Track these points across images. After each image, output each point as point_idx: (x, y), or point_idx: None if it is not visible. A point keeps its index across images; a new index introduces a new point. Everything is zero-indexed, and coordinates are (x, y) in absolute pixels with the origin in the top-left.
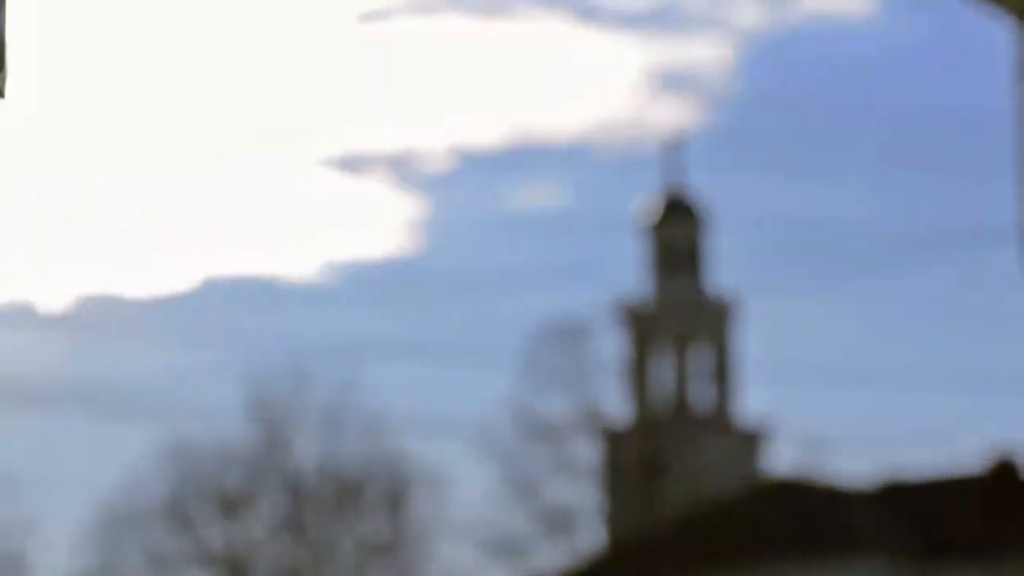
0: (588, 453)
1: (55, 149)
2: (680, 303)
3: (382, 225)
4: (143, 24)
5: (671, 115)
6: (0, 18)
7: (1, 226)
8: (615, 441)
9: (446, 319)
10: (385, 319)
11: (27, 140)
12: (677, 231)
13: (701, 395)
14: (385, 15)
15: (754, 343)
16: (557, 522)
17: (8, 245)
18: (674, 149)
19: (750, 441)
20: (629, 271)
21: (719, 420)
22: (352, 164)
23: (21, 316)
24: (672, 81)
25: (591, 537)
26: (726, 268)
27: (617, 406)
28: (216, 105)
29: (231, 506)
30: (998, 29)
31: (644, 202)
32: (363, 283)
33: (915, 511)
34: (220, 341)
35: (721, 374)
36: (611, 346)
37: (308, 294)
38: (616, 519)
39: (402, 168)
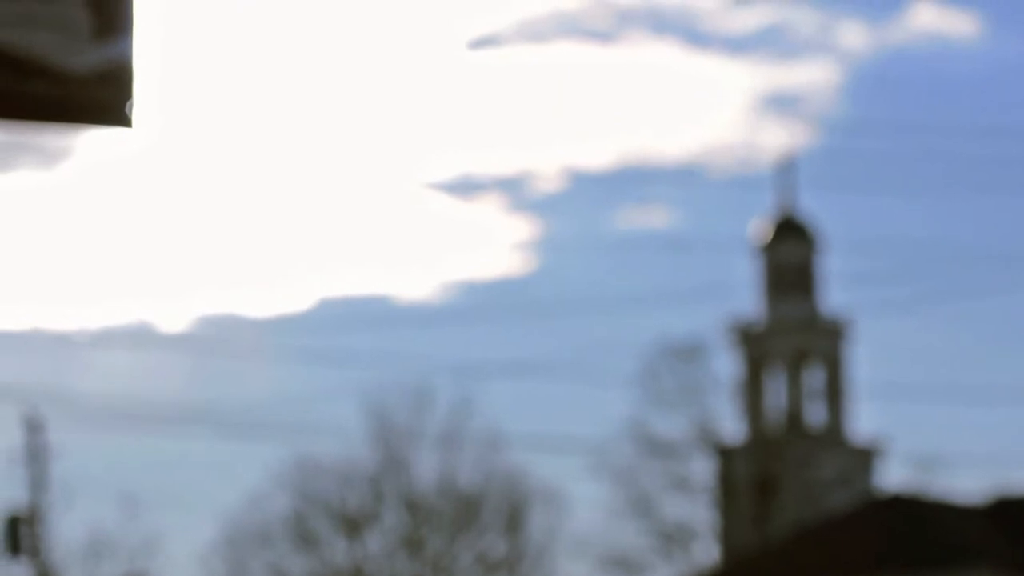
0: (703, 470)
1: (178, 174)
2: (793, 322)
3: (495, 246)
4: (264, 53)
5: (780, 137)
6: (127, 47)
7: (122, 247)
8: (729, 458)
9: (560, 339)
10: (499, 338)
11: (152, 166)
12: (789, 251)
13: (814, 413)
14: (495, 41)
15: (866, 361)
16: (673, 538)
17: (129, 266)
18: (785, 170)
19: (862, 458)
20: (741, 291)
21: (832, 437)
22: (465, 186)
23: (141, 336)
24: (780, 104)
25: (706, 553)
26: (837, 288)
27: (731, 424)
28: (333, 130)
29: (352, 524)
30: None
31: (756, 223)
32: (476, 303)
33: None
34: (337, 360)
35: (833, 392)
36: (725, 365)
37: (422, 313)
38: (730, 535)
39: (514, 190)
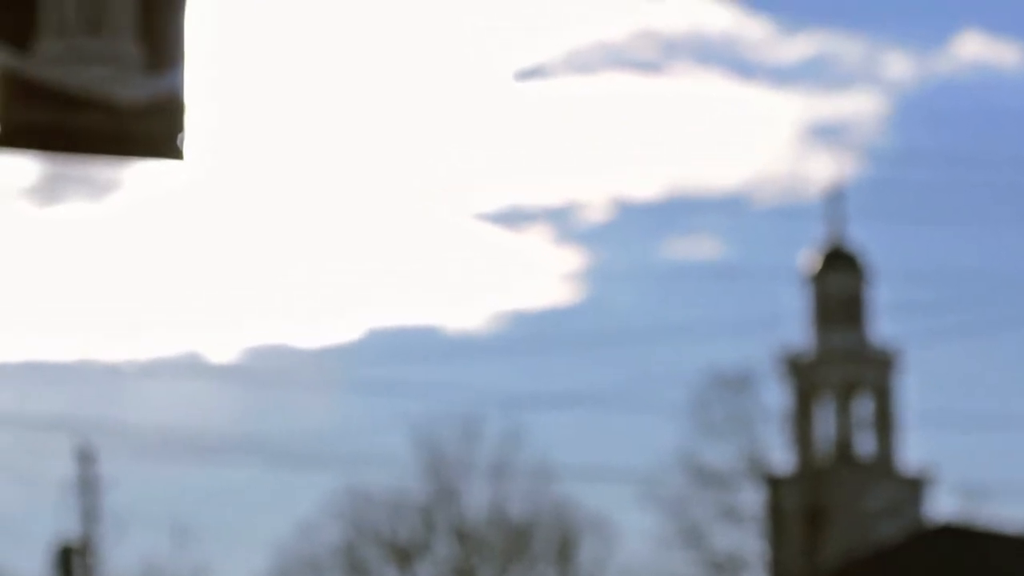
0: (752, 500)
1: (227, 205)
2: (842, 353)
3: (543, 276)
4: (312, 85)
5: (826, 167)
6: (178, 80)
7: (172, 278)
8: (779, 488)
9: (609, 369)
10: (548, 369)
11: (201, 197)
12: (838, 281)
13: (863, 443)
14: (542, 72)
15: (915, 391)
16: (722, 568)
17: (179, 296)
18: (833, 201)
19: (912, 488)
20: (790, 321)
21: (881, 467)
22: (512, 217)
23: (191, 366)
24: (826, 134)
25: None
26: (886, 317)
27: (781, 454)
28: (381, 162)
29: (403, 554)
30: None
31: (805, 253)
32: (525, 333)
33: None
34: (387, 390)
35: (883, 422)
36: (774, 395)
37: (471, 344)
38: (780, 565)
39: (561, 221)
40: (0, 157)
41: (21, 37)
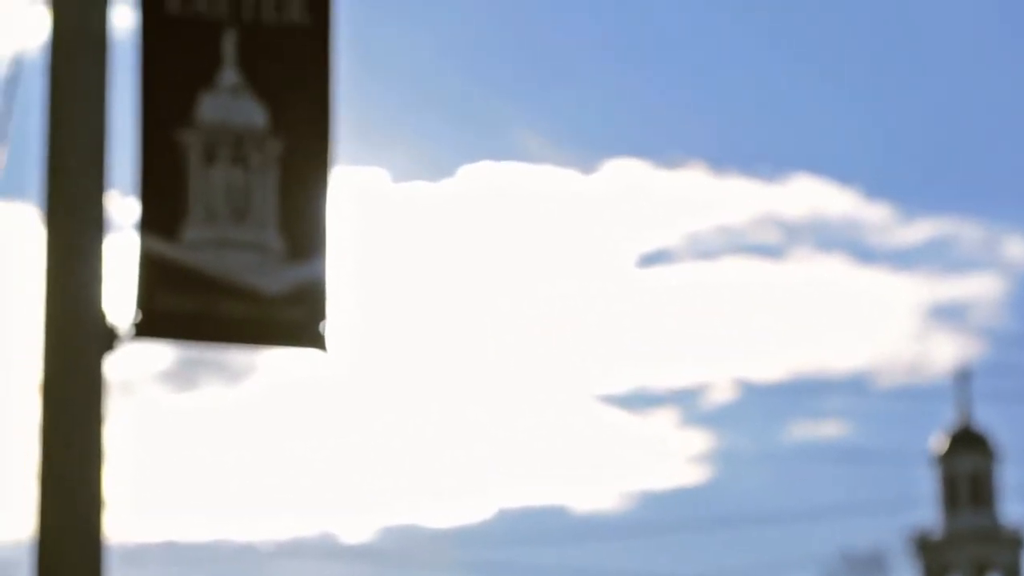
0: None
1: (358, 389)
2: (971, 533)
3: (669, 458)
4: (441, 271)
5: (949, 349)
6: (321, 268)
7: (307, 461)
8: None
9: (738, 551)
10: (677, 550)
11: (335, 381)
12: (967, 462)
13: None
14: (664, 257)
15: None
16: None
17: (313, 478)
18: (960, 382)
19: None
20: (918, 502)
21: None
22: (638, 400)
23: (326, 547)
24: (948, 316)
25: None
26: (1015, 498)
27: None
28: (510, 347)
29: None
30: None
31: (935, 435)
32: (654, 515)
33: None
34: (517, 570)
35: None
36: None
37: (600, 525)
38: None
39: (687, 403)
40: (138, 343)
41: (169, 225)
